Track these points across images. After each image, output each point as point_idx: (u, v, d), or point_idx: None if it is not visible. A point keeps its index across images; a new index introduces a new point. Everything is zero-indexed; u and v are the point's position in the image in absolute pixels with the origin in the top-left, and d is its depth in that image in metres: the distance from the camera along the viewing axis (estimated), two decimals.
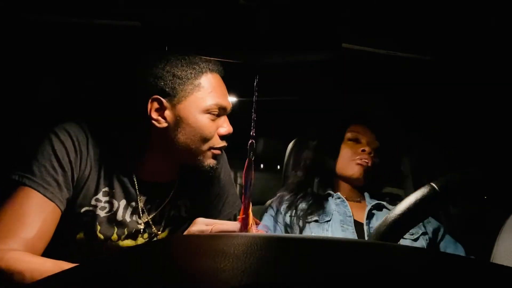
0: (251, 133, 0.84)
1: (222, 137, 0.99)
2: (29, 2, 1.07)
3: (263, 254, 0.34)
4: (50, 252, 0.85)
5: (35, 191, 0.84)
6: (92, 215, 0.94)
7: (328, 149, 1.34)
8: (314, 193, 1.30)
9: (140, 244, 0.43)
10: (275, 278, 0.29)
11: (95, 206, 0.94)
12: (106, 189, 0.95)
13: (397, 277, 0.32)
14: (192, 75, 0.93)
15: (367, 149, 1.27)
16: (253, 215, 0.79)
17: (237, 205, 1.18)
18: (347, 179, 1.30)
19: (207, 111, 0.94)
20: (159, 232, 1.06)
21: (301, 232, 1.21)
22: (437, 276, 0.32)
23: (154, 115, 0.93)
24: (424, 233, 1.18)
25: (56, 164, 0.88)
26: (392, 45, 1.18)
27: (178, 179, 1.06)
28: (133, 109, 0.96)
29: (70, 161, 0.90)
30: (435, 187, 0.61)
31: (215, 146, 0.98)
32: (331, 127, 1.42)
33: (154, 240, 1.03)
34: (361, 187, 1.32)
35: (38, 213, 0.84)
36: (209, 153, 0.98)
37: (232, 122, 1.02)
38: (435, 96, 1.61)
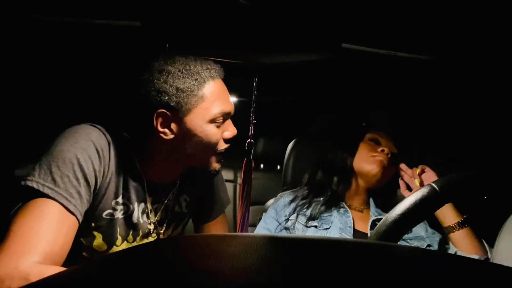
0: (250, 133, 0.84)
1: (227, 140, 1.01)
2: (29, 2, 1.07)
3: (263, 254, 0.34)
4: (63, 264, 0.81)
5: (58, 203, 0.80)
6: (112, 218, 0.95)
7: (347, 148, 1.37)
8: (324, 199, 1.31)
9: (139, 245, 0.42)
10: (275, 278, 0.30)
11: (115, 209, 0.95)
12: (124, 192, 0.96)
13: (397, 277, 0.32)
14: (195, 86, 0.92)
15: (386, 149, 1.30)
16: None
17: (227, 201, 1.23)
18: (364, 175, 1.32)
19: (213, 121, 0.95)
20: (165, 230, 1.08)
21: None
22: (436, 276, 0.32)
23: (160, 128, 0.93)
24: (429, 246, 1.18)
25: (80, 175, 0.84)
26: (392, 45, 1.19)
27: (180, 178, 1.09)
28: (138, 120, 0.96)
29: (94, 170, 0.87)
30: (435, 187, 0.61)
31: (219, 150, 1.00)
32: (350, 127, 1.46)
33: (154, 240, 1.04)
34: (369, 192, 1.35)
35: (60, 226, 0.80)
36: (214, 157, 1.00)
37: (232, 122, 1.03)
38: (434, 96, 1.61)
